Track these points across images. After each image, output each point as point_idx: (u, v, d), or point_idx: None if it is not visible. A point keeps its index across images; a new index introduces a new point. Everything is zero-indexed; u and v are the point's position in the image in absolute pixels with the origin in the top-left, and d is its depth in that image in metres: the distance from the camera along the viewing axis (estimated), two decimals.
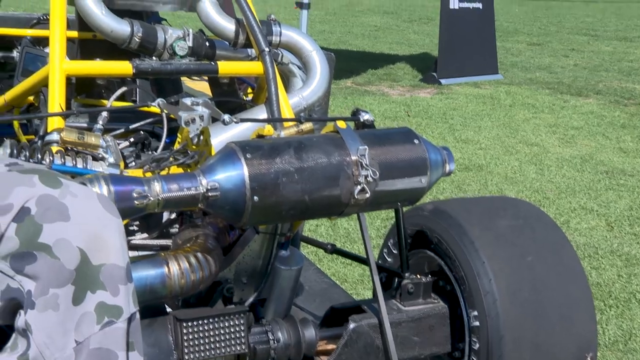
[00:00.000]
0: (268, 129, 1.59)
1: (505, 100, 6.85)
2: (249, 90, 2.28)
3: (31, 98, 1.85)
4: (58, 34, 1.67)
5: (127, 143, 1.81)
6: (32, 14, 2.61)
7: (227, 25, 1.89)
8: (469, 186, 4.31)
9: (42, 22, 2.53)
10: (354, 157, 1.52)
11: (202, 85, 2.34)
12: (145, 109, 1.81)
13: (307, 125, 1.68)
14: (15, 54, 2.49)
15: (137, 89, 2.09)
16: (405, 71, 8.28)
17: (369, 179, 1.52)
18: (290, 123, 1.69)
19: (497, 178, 4.45)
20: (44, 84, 1.71)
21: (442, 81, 7.48)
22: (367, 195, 1.53)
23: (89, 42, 2.03)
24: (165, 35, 1.84)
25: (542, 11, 16.85)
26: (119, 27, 1.79)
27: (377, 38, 11.58)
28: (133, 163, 1.79)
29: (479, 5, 7.89)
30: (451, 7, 7.54)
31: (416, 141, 1.62)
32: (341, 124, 1.59)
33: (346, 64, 7.91)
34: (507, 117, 6.17)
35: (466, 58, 7.70)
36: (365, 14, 15.67)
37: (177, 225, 1.80)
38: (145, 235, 1.77)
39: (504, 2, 10.69)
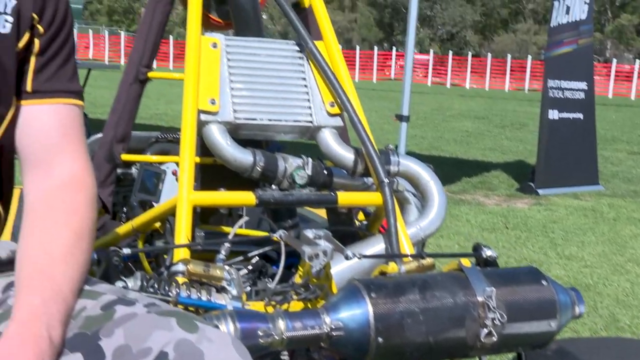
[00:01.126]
0: (392, 266, 1.57)
1: (608, 214, 6.60)
2: (361, 215, 2.28)
3: (157, 224, 1.91)
4: (187, 166, 1.74)
5: (245, 271, 1.82)
6: (150, 133, 2.74)
7: (347, 155, 1.92)
8: None
9: (160, 141, 2.65)
10: (480, 299, 1.48)
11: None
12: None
13: (428, 261, 1.66)
14: (133, 170, 2.61)
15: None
16: (501, 179, 8.17)
17: (496, 322, 1.47)
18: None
19: (608, 300, 4.22)
20: (171, 213, 1.77)
21: (540, 191, 7.32)
22: (494, 339, 1.47)
23: (209, 167, 2.10)
24: (285, 164, 1.88)
25: None
26: (243, 157, 1.84)
27: (469, 144, 11.56)
28: (249, 288, 1.79)
29: (580, 116, 7.76)
30: (550, 117, 7.44)
31: (544, 282, 1.56)
32: (465, 262, 1.56)
33: (439, 170, 7.79)
34: (612, 232, 5.92)
35: (565, 168, 7.53)
36: (456, 118, 15.76)
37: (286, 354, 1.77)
38: None
39: (599, 109, 10.48)
